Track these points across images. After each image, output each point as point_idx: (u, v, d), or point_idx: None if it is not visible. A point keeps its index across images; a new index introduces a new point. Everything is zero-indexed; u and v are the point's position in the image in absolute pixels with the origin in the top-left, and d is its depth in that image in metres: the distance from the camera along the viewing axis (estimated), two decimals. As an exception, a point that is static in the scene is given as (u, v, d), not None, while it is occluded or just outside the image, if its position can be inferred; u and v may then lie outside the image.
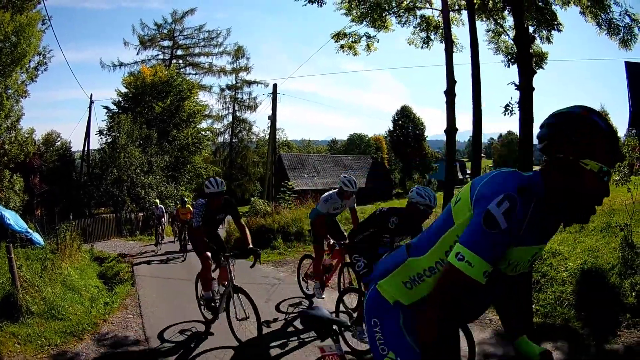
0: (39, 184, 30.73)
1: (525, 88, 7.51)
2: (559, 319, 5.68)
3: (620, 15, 8.87)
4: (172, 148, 35.49)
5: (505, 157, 75.44)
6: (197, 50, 52.91)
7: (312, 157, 53.21)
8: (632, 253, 6.22)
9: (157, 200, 21.42)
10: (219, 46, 52.73)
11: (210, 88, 54.49)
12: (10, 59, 17.83)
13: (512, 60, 9.17)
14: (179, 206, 17.81)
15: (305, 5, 10.87)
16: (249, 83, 54.38)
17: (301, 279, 7.92)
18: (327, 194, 7.10)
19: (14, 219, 12.58)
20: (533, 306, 6.08)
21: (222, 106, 55.11)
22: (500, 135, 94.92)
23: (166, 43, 51.62)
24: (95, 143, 61.43)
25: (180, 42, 52.17)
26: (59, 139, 40.00)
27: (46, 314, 6.40)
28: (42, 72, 21.84)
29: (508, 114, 7.89)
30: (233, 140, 55.74)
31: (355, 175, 48.46)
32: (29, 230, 12.98)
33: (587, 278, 6.14)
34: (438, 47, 10.50)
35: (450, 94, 9.73)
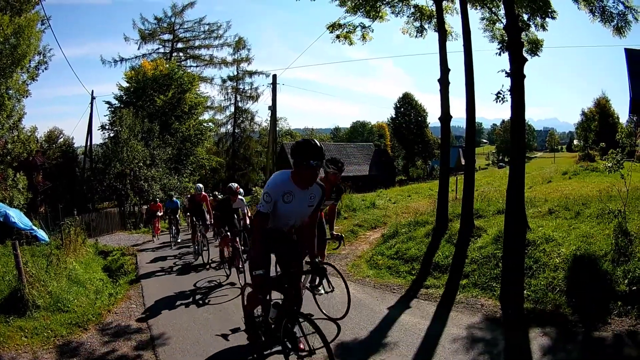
0: (42, 181, 30.84)
1: (516, 75, 7.60)
2: (549, 305, 5.73)
3: (614, 2, 8.82)
4: (175, 140, 35.53)
5: (507, 142, 75.20)
6: (197, 42, 52.91)
7: (315, 145, 53.07)
8: (625, 240, 6.25)
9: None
10: (219, 38, 52.77)
11: (212, 80, 54.54)
12: (11, 60, 17.94)
13: (504, 49, 9.18)
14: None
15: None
16: (250, 74, 54.41)
17: None
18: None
19: (18, 217, 12.77)
20: (524, 292, 6.18)
21: (224, 97, 55.21)
22: (503, 121, 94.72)
23: (166, 37, 51.63)
24: (98, 138, 61.67)
25: (180, 35, 52.11)
26: (61, 135, 39.97)
27: (52, 307, 6.60)
28: (43, 71, 21.90)
29: (500, 101, 7.93)
30: (236, 131, 55.81)
31: (359, 163, 48.56)
32: (34, 227, 13.18)
33: (580, 264, 6.17)
34: (435, 35, 10.43)
35: (444, 81, 9.77)
